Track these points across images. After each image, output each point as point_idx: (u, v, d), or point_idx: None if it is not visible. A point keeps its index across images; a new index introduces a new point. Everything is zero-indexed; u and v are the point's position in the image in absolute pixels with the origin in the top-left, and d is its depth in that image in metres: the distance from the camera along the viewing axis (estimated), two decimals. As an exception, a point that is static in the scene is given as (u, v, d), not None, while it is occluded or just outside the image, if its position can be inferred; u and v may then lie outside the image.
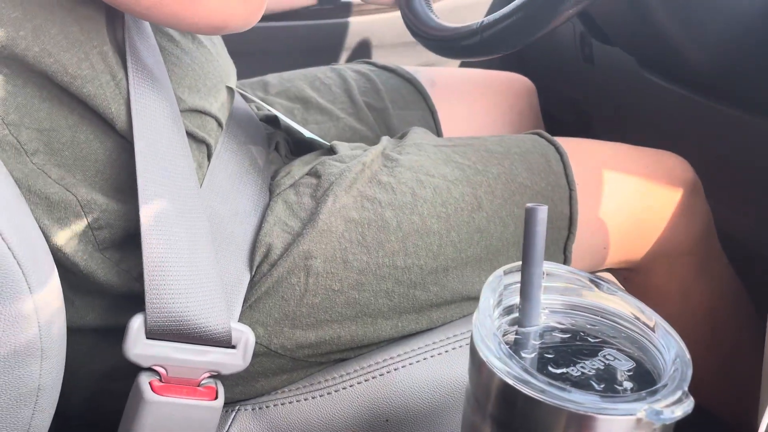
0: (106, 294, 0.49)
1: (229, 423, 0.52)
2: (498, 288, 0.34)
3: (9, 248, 0.38)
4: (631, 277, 0.69)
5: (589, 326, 0.35)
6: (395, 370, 0.53)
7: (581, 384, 0.31)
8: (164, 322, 0.45)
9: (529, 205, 0.32)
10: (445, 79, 0.83)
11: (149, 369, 0.47)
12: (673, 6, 0.63)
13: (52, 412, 0.43)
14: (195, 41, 0.56)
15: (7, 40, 0.42)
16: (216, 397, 0.48)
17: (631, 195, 0.63)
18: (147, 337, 0.46)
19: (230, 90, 0.60)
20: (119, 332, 0.48)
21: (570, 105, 1.07)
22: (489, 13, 0.73)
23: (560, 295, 0.35)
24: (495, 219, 0.57)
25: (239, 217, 0.54)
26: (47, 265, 0.43)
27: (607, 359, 0.32)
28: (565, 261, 0.61)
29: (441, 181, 0.57)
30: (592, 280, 0.35)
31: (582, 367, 0.31)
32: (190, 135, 0.52)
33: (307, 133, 0.67)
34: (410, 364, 0.53)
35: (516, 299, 0.34)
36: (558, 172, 0.60)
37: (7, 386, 0.38)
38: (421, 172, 0.57)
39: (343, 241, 0.53)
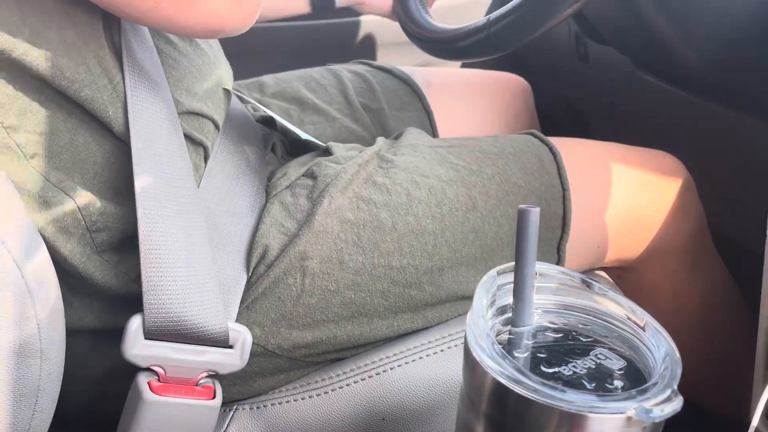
0: (104, 296, 0.49)
1: (227, 422, 0.53)
2: (491, 288, 0.34)
3: (8, 250, 0.38)
4: (625, 276, 0.69)
5: (581, 326, 0.35)
6: (391, 369, 0.53)
7: (573, 383, 0.31)
8: (162, 322, 0.46)
9: (521, 206, 0.32)
10: (440, 79, 0.83)
11: (147, 369, 0.47)
12: (666, 6, 0.63)
13: (52, 412, 0.43)
14: (192, 44, 0.56)
15: (5, 44, 0.42)
16: (214, 397, 0.48)
17: (625, 194, 0.64)
18: (145, 338, 0.46)
19: (227, 92, 0.61)
20: (118, 333, 0.48)
21: (565, 104, 1.07)
22: (488, 13, 0.73)
23: (553, 295, 0.36)
24: (489, 219, 0.58)
25: (236, 218, 0.54)
26: (46, 268, 0.43)
27: (599, 358, 0.33)
28: (559, 261, 0.61)
29: (436, 181, 0.57)
30: (583, 281, 0.36)
31: (574, 366, 0.32)
32: (188, 137, 0.52)
33: (303, 134, 0.68)
34: (406, 363, 0.54)
35: (509, 299, 0.34)
36: (552, 173, 0.61)
37: (6, 387, 0.38)
38: (416, 173, 0.58)
39: (338, 242, 0.53)
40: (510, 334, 0.34)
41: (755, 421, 0.40)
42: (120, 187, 0.48)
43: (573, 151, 0.64)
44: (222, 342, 0.48)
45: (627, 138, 0.72)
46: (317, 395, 0.53)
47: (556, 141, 0.64)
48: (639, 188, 0.64)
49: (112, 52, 0.47)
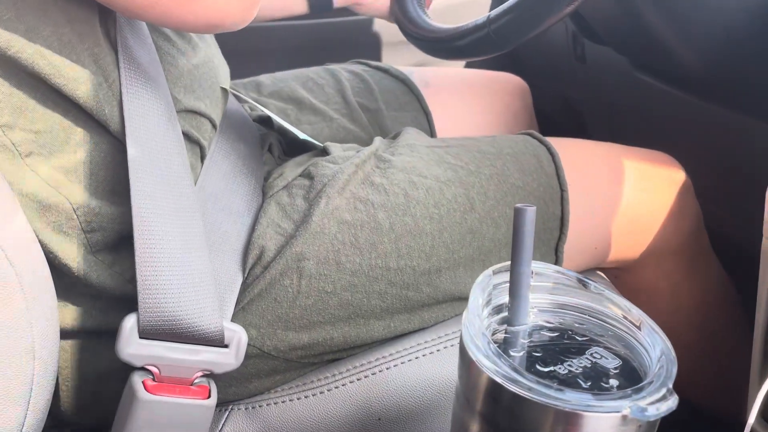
0: (99, 296, 0.49)
1: (222, 422, 0.53)
2: (487, 287, 0.34)
3: (2, 249, 0.38)
4: (622, 276, 0.69)
5: (576, 325, 0.35)
6: (387, 369, 0.53)
7: (569, 382, 0.31)
8: (157, 321, 0.46)
9: (517, 205, 0.32)
10: (438, 79, 0.83)
11: (142, 368, 0.47)
12: (664, 6, 0.63)
13: (46, 412, 0.43)
14: (190, 42, 0.56)
15: (0, 41, 0.42)
16: (209, 396, 0.48)
17: (622, 195, 0.64)
18: (140, 337, 0.46)
19: (224, 91, 0.60)
20: (112, 334, 0.48)
21: (562, 104, 1.07)
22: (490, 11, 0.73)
23: (548, 294, 0.36)
24: (487, 220, 0.57)
25: (232, 218, 0.54)
26: (40, 267, 0.43)
27: (594, 357, 0.32)
28: (557, 261, 0.61)
29: (433, 182, 0.57)
30: (579, 280, 0.36)
31: (569, 365, 0.32)
32: (185, 135, 0.52)
33: (300, 134, 0.68)
34: (402, 363, 0.54)
35: (505, 298, 0.34)
36: (550, 173, 0.61)
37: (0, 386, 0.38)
38: (414, 174, 0.57)
39: (335, 243, 0.53)
40: (506, 333, 0.34)
41: (751, 420, 0.40)
42: (116, 186, 0.48)
43: (571, 151, 0.64)
44: (217, 341, 0.48)
45: (624, 138, 0.72)
46: (313, 395, 0.53)
47: (554, 141, 0.64)
48: (637, 188, 0.64)
49: (109, 50, 0.47)
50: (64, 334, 0.48)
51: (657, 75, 0.76)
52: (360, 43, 1.09)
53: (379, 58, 0.85)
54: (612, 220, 0.63)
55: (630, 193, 0.64)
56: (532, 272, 0.34)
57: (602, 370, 0.32)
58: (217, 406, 0.50)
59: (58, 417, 0.52)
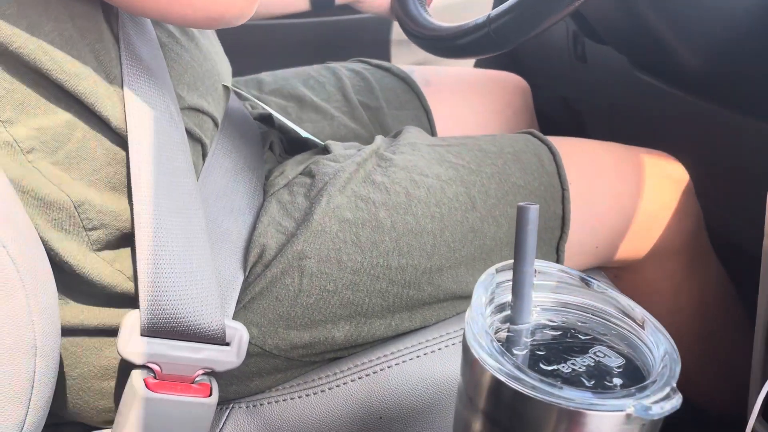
0: (100, 294, 0.49)
1: (223, 420, 0.53)
2: (490, 286, 0.34)
3: (3, 246, 0.38)
4: (622, 275, 0.69)
5: (579, 323, 0.35)
6: (388, 367, 0.53)
7: (572, 380, 0.31)
8: (158, 319, 0.46)
9: (520, 204, 0.32)
10: (439, 78, 0.83)
11: (144, 366, 0.47)
12: (663, 6, 0.63)
13: (47, 410, 0.43)
14: (193, 39, 0.56)
15: (2, 36, 0.42)
16: (210, 394, 0.48)
17: (623, 194, 0.64)
18: (141, 335, 0.46)
19: (226, 88, 0.60)
20: (113, 332, 0.48)
21: (562, 104, 1.07)
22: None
23: (551, 293, 0.36)
24: (488, 219, 0.57)
25: (234, 215, 0.54)
26: (42, 264, 0.43)
27: (598, 356, 0.32)
28: (558, 260, 0.61)
29: (435, 180, 0.57)
30: (582, 279, 0.36)
31: (573, 363, 0.32)
32: (187, 132, 0.52)
33: (301, 132, 0.67)
34: (403, 361, 0.54)
35: (508, 297, 0.34)
36: (551, 172, 0.61)
37: (1, 384, 0.38)
38: (415, 172, 0.57)
39: (337, 242, 0.53)
40: (509, 331, 0.34)
41: (752, 420, 0.40)
42: (118, 183, 0.47)
43: (572, 150, 0.64)
44: (218, 339, 0.48)
45: (625, 137, 0.72)
46: (314, 394, 0.53)
47: (554, 140, 0.64)
48: (637, 188, 0.64)
49: (112, 45, 0.47)
50: (66, 331, 0.48)
51: (658, 74, 0.76)
52: (361, 41, 1.09)
53: (380, 57, 0.85)
54: (613, 219, 0.63)
55: (630, 193, 0.64)
56: (536, 271, 0.34)
57: (605, 369, 0.32)
58: (218, 404, 0.50)
59: (58, 415, 0.52)
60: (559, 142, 0.64)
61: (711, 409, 0.74)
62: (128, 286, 0.49)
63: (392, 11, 0.77)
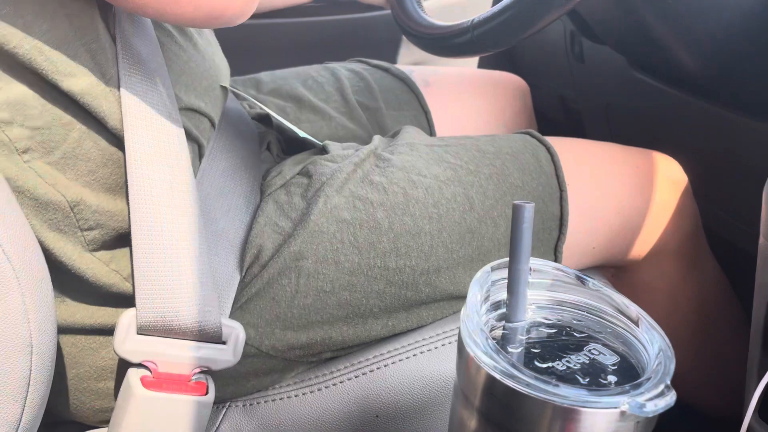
0: (96, 293, 0.49)
1: (220, 419, 0.52)
2: (485, 284, 0.34)
3: (-1, 244, 0.38)
4: (620, 275, 0.69)
5: (574, 321, 0.35)
6: (385, 366, 0.53)
7: (567, 378, 0.31)
8: (155, 317, 0.46)
9: (516, 201, 0.32)
10: (438, 78, 0.83)
11: (140, 365, 0.47)
12: (661, 5, 0.63)
13: (43, 408, 0.43)
14: (191, 39, 0.56)
15: None
16: (207, 393, 0.48)
17: (621, 195, 0.64)
18: (137, 333, 0.46)
19: (223, 89, 0.60)
20: (110, 331, 0.48)
21: (561, 104, 1.07)
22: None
23: (547, 291, 0.36)
24: (486, 219, 0.57)
25: (230, 215, 0.54)
26: (38, 263, 0.43)
27: (592, 354, 0.32)
28: (556, 261, 0.61)
29: (433, 181, 0.57)
30: (578, 277, 0.36)
31: (567, 361, 0.32)
32: (185, 133, 0.52)
33: (299, 132, 0.67)
34: (400, 360, 0.54)
35: (503, 295, 0.34)
36: (549, 173, 0.61)
37: (-3, 382, 0.38)
38: (413, 173, 0.57)
39: (334, 242, 0.53)
40: (504, 329, 0.34)
41: (747, 418, 0.40)
42: (113, 184, 0.47)
43: (569, 150, 0.64)
44: (215, 338, 0.48)
45: (622, 137, 0.72)
46: (311, 392, 0.53)
47: (552, 141, 0.64)
48: (635, 188, 0.64)
49: (108, 45, 0.46)
50: (62, 330, 0.48)
51: (655, 74, 0.76)
52: (360, 41, 1.09)
53: (379, 57, 0.85)
54: (610, 220, 0.63)
55: (628, 194, 0.64)
56: (531, 269, 0.34)
57: (600, 367, 0.32)
58: (214, 403, 0.50)
59: (55, 414, 0.52)
60: (558, 143, 0.64)
61: (706, 407, 0.74)
62: (124, 286, 0.49)
63: (387, 1, 0.77)
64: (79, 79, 0.45)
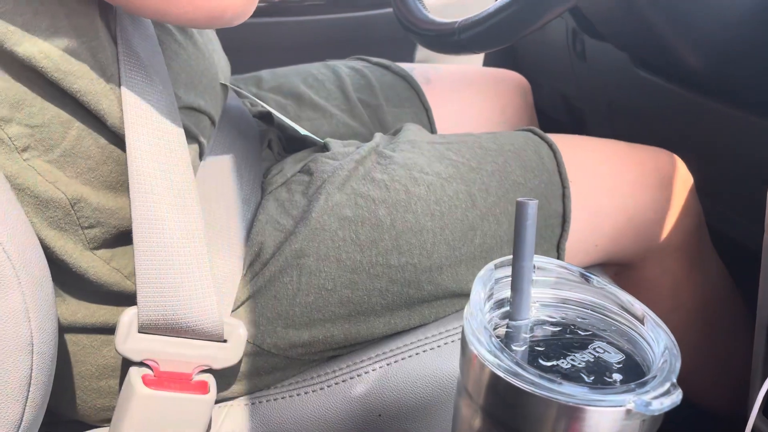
0: (97, 292, 0.49)
1: (222, 418, 0.52)
2: (489, 282, 0.34)
3: None
4: (623, 273, 0.69)
5: (579, 319, 0.35)
6: (387, 365, 0.53)
7: (571, 376, 0.31)
8: (156, 316, 0.45)
9: (519, 199, 0.32)
10: (439, 76, 0.83)
11: (141, 363, 0.47)
12: (662, 3, 0.63)
13: (44, 407, 0.43)
14: (191, 37, 0.56)
15: None
16: (208, 392, 0.48)
17: (623, 192, 0.64)
18: (139, 331, 0.46)
19: (224, 87, 0.60)
20: (111, 330, 0.47)
21: (563, 101, 1.07)
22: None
23: (551, 289, 0.36)
24: (489, 217, 0.57)
25: (231, 213, 0.54)
26: (38, 261, 0.43)
27: (597, 352, 0.32)
28: (559, 258, 0.61)
29: (435, 178, 0.57)
30: (582, 275, 0.35)
31: (572, 359, 0.32)
32: (185, 131, 0.52)
33: (300, 130, 0.67)
34: (402, 359, 0.54)
35: (507, 293, 0.34)
36: (551, 170, 0.61)
37: (-2, 381, 0.38)
38: (415, 170, 0.57)
39: (336, 240, 0.53)
40: (508, 327, 0.34)
41: (753, 416, 0.40)
42: (114, 182, 0.47)
43: (572, 148, 0.64)
44: (216, 336, 0.48)
45: (625, 135, 0.71)
46: (313, 391, 0.53)
47: (555, 138, 0.64)
48: (638, 186, 0.64)
49: (108, 43, 0.46)
50: (63, 329, 0.48)
51: (658, 72, 0.76)
52: (361, 39, 1.09)
53: (380, 55, 0.85)
54: (613, 217, 0.63)
55: (631, 191, 0.64)
56: (534, 267, 0.34)
57: (605, 365, 0.31)
58: (216, 402, 0.49)
59: (56, 413, 0.52)
60: (560, 140, 0.63)
61: (711, 405, 0.74)
62: (125, 284, 0.49)
63: None
64: (79, 78, 0.44)
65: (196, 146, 0.54)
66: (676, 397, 0.28)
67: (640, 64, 0.78)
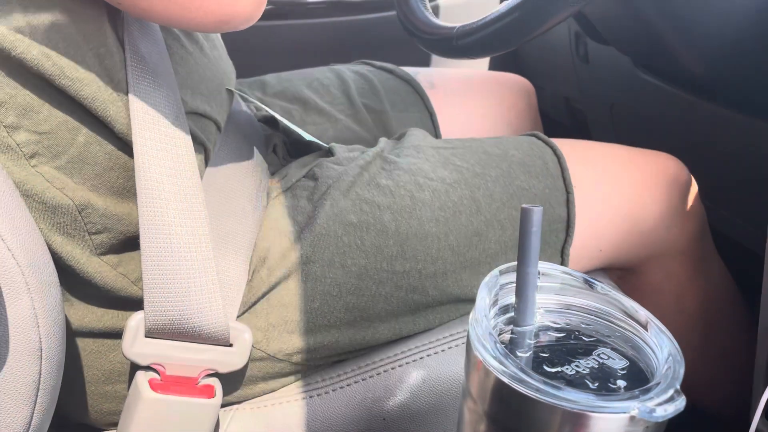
0: (104, 297, 0.49)
1: (227, 421, 0.53)
2: (494, 287, 0.34)
3: (8, 249, 0.38)
4: (626, 277, 0.69)
5: (583, 325, 0.35)
6: (392, 369, 0.53)
7: (576, 383, 0.31)
8: (163, 320, 0.46)
9: (524, 205, 0.32)
10: (444, 80, 0.83)
11: (148, 368, 0.47)
12: (666, 6, 0.63)
13: (52, 411, 0.43)
14: (197, 42, 0.56)
15: (5, 42, 0.42)
16: (214, 396, 0.48)
17: (627, 196, 0.64)
18: (145, 336, 0.46)
19: (229, 92, 0.60)
20: (118, 334, 0.48)
21: (566, 105, 1.07)
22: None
23: (555, 295, 0.36)
24: (493, 222, 0.57)
25: (237, 219, 0.54)
26: (47, 267, 0.43)
27: (601, 358, 0.32)
28: (563, 263, 0.61)
29: (439, 184, 0.57)
30: (586, 280, 0.36)
31: (576, 366, 0.32)
32: (191, 136, 0.52)
33: (305, 135, 0.67)
34: (407, 363, 0.54)
35: (512, 299, 0.34)
36: (555, 175, 0.61)
37: (6, 386, 0.38)
38: (420, 175, 0.57)
39: (341, 246, 0.53)
40: (512, 333, 0.34)
41: (755, 421, 0.40)
42: (121, 187, 0.48)
43: (576, 153, 0.64)
44: (222, 340, 0.48)
45: (627, 138, 0.72)
46: (318, 396, 0.53)
47: (558, 142, 0.64)
48: (641, 190, 0.64)
49: (116, 49, 0.47)
50: (70, 333, 0.48)
51: (661, 75, 0.76)
52: (365, 43, 1.09)
53: (384, 59, 0.85)
54: (617, 221, 0.63)
55: (634, 195, 0.64)
56: (539, 273, 0.34)
57: (609, 371, 0.32)
58: (222, 406, 0.50)
59: (64, 416, 0.52)
60: (564, 144, 0.64)
61: (713, 408, 0.74)
62: (132, 289, 0.49)
63: None
64: (86, 84, 0.45)
65: (202, 151, 0.54)
66: (680, 403, 0.28)
67: (643, 68, 0.79)
